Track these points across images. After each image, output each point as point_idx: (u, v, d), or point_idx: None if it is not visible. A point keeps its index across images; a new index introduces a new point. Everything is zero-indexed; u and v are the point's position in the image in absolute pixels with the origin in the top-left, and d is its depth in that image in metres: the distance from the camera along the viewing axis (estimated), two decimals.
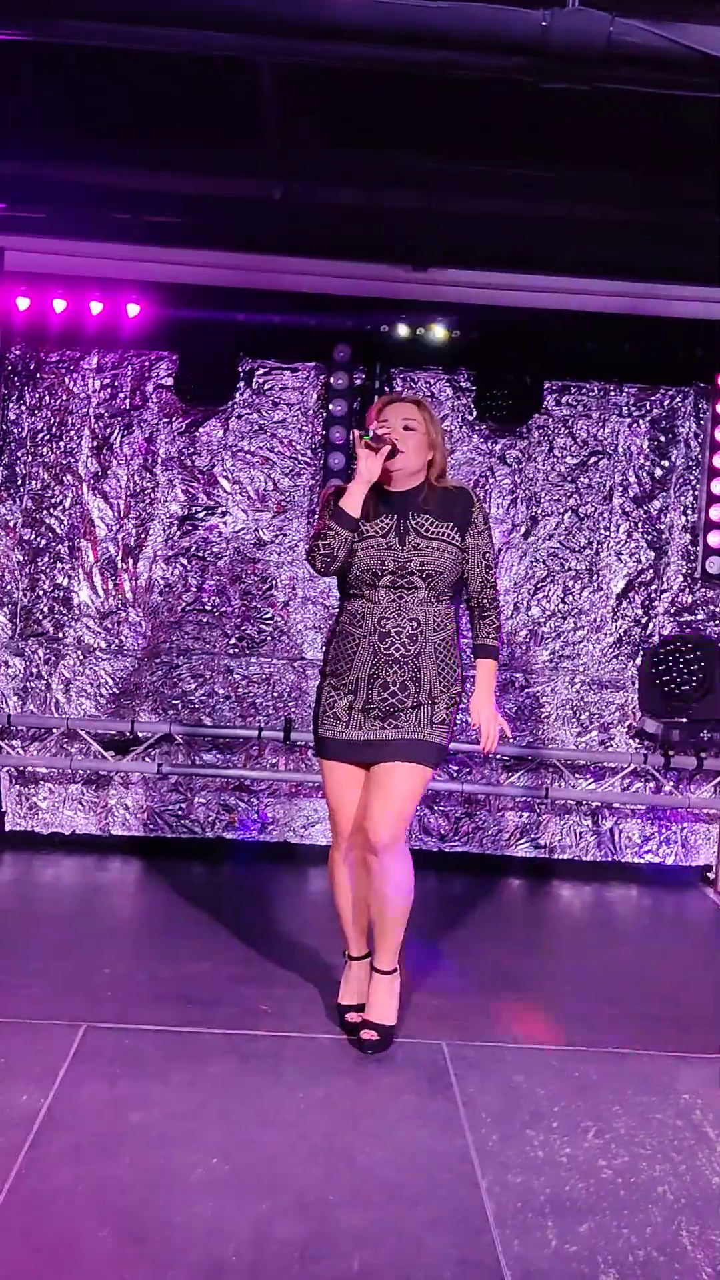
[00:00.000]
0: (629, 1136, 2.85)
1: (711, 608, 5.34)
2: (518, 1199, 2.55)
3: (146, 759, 5.21)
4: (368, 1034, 3.26)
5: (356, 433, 3.18)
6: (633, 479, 5.33)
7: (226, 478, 5.28)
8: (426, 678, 3.21)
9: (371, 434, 3.15)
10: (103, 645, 5.27)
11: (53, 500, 5.26)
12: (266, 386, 5.29)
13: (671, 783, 5.31)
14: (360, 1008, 3.33)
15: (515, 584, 5.29)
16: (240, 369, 5.23)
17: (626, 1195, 2.59)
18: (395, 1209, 2.48)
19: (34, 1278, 2.20)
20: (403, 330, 5.04)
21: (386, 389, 5.23)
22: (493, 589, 3.34)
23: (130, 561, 5.27)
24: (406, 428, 3.21)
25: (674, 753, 5.18)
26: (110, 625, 5.27)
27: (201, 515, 5.29)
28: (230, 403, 5.23)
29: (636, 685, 5.26)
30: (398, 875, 3.21)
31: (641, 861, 5.36)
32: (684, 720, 5.01)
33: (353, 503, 3.16)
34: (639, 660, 5.28)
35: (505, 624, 5.29)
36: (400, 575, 3.20)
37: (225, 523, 5.27)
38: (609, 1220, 2.49)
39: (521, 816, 5.34)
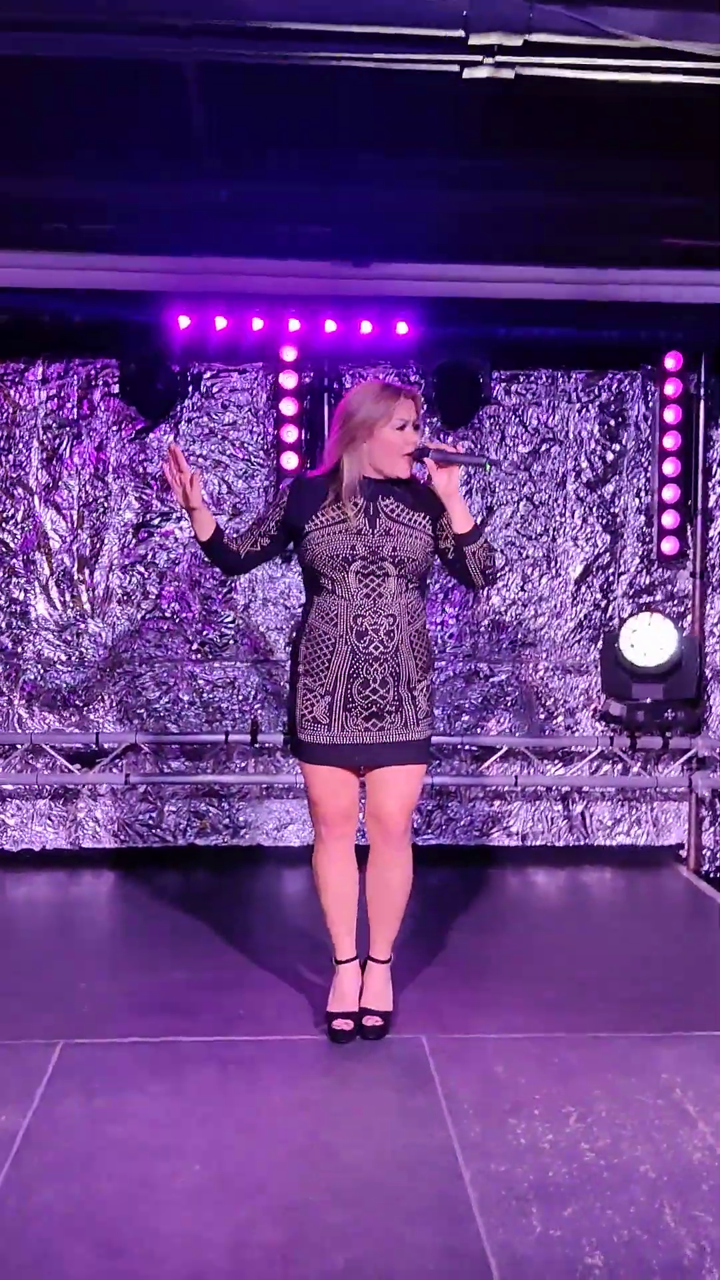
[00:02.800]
0: (610, 1119, 2.86)
1: (669, 588, 5.37)
2: (501, 1188, 2.55)
3: (113, 770, 5.18)
4: (371, 1020, 3.30)
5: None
6: (585, 464, 5.35)
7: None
8: (404, 670, 3.21)
9: (434, 454, 3.15)
10: (63, 658, 5.23)
11: (4, 514, 5.21)
12: (215, 389, 5.27)
13: (639, 764, 5.34)
14: (351, 1015, 3.33)
15: None
16: (189, 372, 5.21)
17: (609, 1177, 2.60)
18: (378, 1205, 2.48)
19: None
20: (349, 326, 5.03)
21: (336, 385, 5.22)
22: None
23: (87, 572, 5.23)
24: (415, 426, 3.22)
25: (640, 734, 5.21)
26: (70, 637, 5.24)
27: (156, 522, 5.26)
28: (179, 407, 5.21)
29: (599, 669, 5.28)
30: (406, 865, 3.34)
31: (614, 844, 5.39)
32: (647, 701, 5.04)
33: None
34: (600, 644, 5.30)
35: (466, 614, 5.29)
36: (371, 560, 3.17)
37: (181, 528, 5.24)
38: (592, 1203, 2.50)
39: (493, 805, 5.35)
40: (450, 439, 5.18)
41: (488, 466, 3.22)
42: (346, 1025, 3.30)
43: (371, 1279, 2.23)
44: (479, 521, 3.23)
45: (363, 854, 3.38)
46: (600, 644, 5.29)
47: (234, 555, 3.30)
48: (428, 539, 3.23)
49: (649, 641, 5.08)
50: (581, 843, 5.37)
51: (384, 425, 3.17)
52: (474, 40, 2.57)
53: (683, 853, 5.37)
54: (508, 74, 2.76)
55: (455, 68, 2.72)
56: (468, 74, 2.74)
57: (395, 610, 3.20)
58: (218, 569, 3.41)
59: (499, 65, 2.64)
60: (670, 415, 5.23)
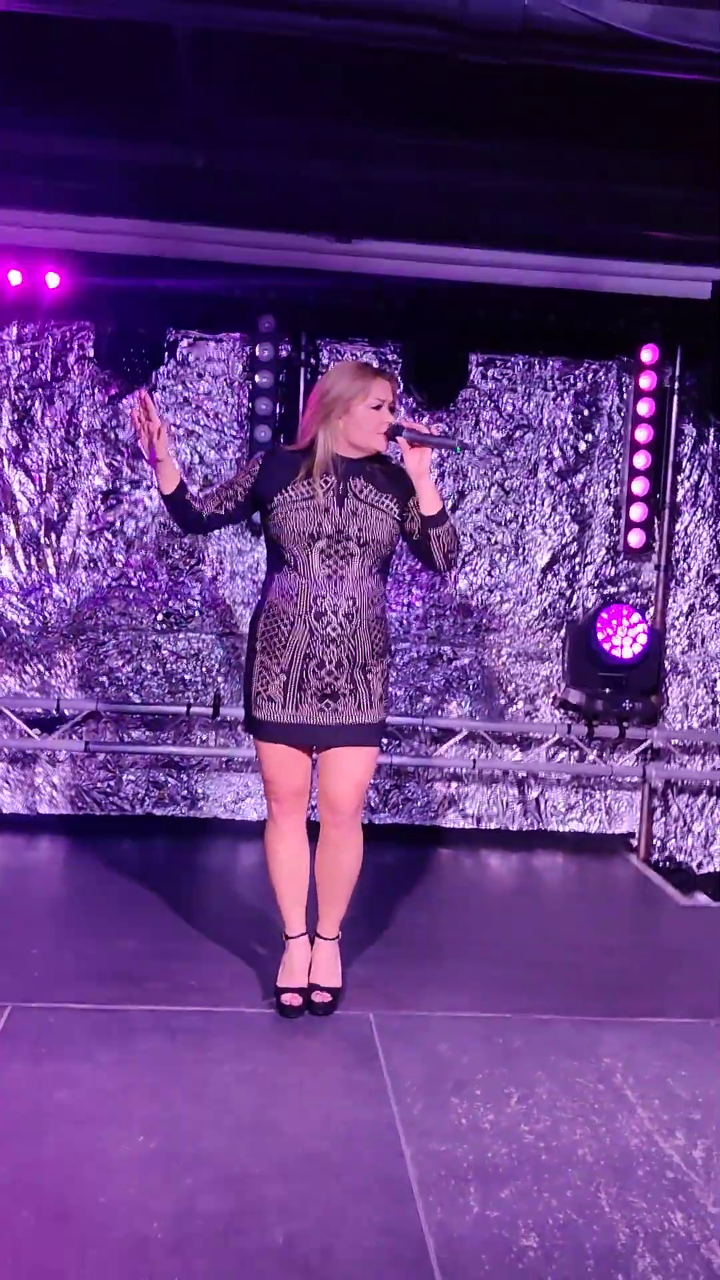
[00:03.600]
0: (550, 1101, 2.91)
1: (633, 579, 5.41)
2: (441, 1167, 2.59)
3: (73, 737, 5.16)
4: (320, 996, 3.34)
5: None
6: (557, 453, 5.37)
7: None
8: (360, 653, 3.22)
9: (407, 433, 3.18)
10: (26, 622, 5.20)
11: None
12: (191, 358, 5.23)
13: (595, 752, 5.39)
14: (300, 990, 3.35)
15: None
16: (164, 340, 5.16)
17: (547, 1159, 2.65)
18: (319, 1180, 2.51)
19: None
20: (328, 302, 5.01)
21: (313, 360, 5.20)
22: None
23: (53, 536, 5.19)
24: (391, 408, 3.22)
25: (597, 722, 5.26)
26: (34, 602, 5.20)
27: (126, 489, 5.22)
28: (154, 374, 5.16)
29: (563, 657, 5.32)
30: (355, 845, 3.35)
31: (566, 830, 5.45)
32: (606, 690, 5.09)
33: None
34: (563, 632, 5.34)
35: (433, 597, 5.31)
36: (336, 539, 3.18)
37: (150, 496, 5.21)
38: (530, 1184, 2.54)
39: (450, 787, 5.39)
40: (426, 420, 5.18)
41: (459, 449, 3.21)
42: (295, 1000, 3.33)
43: (311, 1253, 2.26)
44: (448, 505, 3.23)
45: (313, 831, 3.39)
46: (564, 632, 5.33)
47: (195, 513, 3.29)
48: (394, 521, 3.23)
49: (623, 634, 5.12)
50: (535, 827, 5.43)
51: (359, 402, 3.17)
52: (470, 25, 2.55)
53: (633, 841, 5.45)
54: (500, 60, 2.74)
55: (448, 49, 2.71)
56: (463, 56, 2.73)
57: (355, 593, 3.20)
58: (177, 525, 3.42)
59: (494, 50, 2.63)
60: (644, 408, 5.26)
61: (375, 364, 3.45)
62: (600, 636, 5.09)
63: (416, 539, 3.25)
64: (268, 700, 3.24)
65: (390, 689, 3.46)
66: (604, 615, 5.13)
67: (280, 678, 3.22)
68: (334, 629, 3.19)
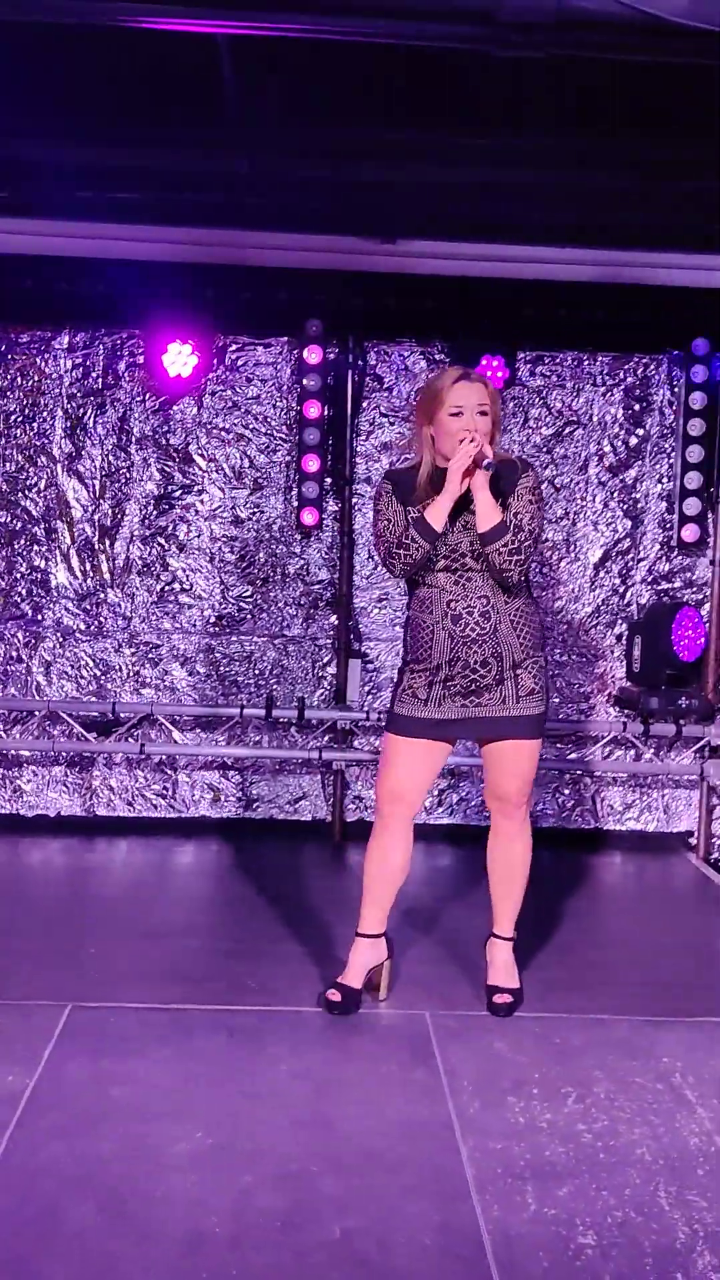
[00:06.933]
0: (609, 1101, 2.89)
1: (688, 575, 5.35)
2: (498, 1164, 2.58)
3: (129, 739, 5.22)
4: (501, 998, 3.37)
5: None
6: (608, 448, 5.33)
7: (202, 455, 5.26)
8: (506, 650, 3.21)
9: (488, 465, 3.11)
10: (82, 627, 5.27)
11: (27, 482, 5.23)
12: (240, 362, 5.27)
13: (651, 750, 5.34)
14: (343, 988, 3.33)
15: None
16: (213, 345, 5.21)
17: (605, 1158, 2.63)
18: (376, 1177, 2.51)
19: (18, 1252, 2.23)
20: (375, 303, 5.02)
21: (360, 362, 5.21)
22: (522, 532, 3.15)
23: (107, 542, 5.25)
24: (481, 412, 3.15)
25: (653, 720, 5.21)
26: (89, 607, 5.27)
27: (178, 494, 5.27)
28: (203, 380, 5.21)
29: (628, 655, 5.26)
30: (526, 836, 3.45)
31: (623, 829, 5.40)
32: (663, 688, 5.04)
33: (439, 517, 3.14)
34: (618, 629, 5.30)
35: None
36: (453, 558, 3.19)
37: (202, 501, 5.26)
38: (588, 1183, 2.52)
39: None
40: None
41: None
42: (334, 996, 3.32)
43: (368, 1249, 2.27)
44: (509, 524, 3.18)
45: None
46: (622, 629, 5.28)
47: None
48: (505, 525, 3.16)
49: (690, 636, 5.06)
50: (591, 826, 5.39)
51: (440, 411, 3.15)
52: (504, 18, 2.54)
53: (692, 840, 5.38)
54: (538, 53, 2.73)
55: (483, 45, 2.70)
56: (499, 53, 2.72)
57: (489, 592, 3.20)
58: (395, 569, 3.23)
59: (531, 44, 2.62)
60: (696, 401, 5.19)
61: (461, 368, 3.38)
62: (674, 638, 5.02)
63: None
64: (411, 696, 3.26)
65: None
66: (679, 617, 5.05)
67: (427, 677, 3.24)
68: (473, 630, 3.19)
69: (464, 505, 3.18)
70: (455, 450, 3.12)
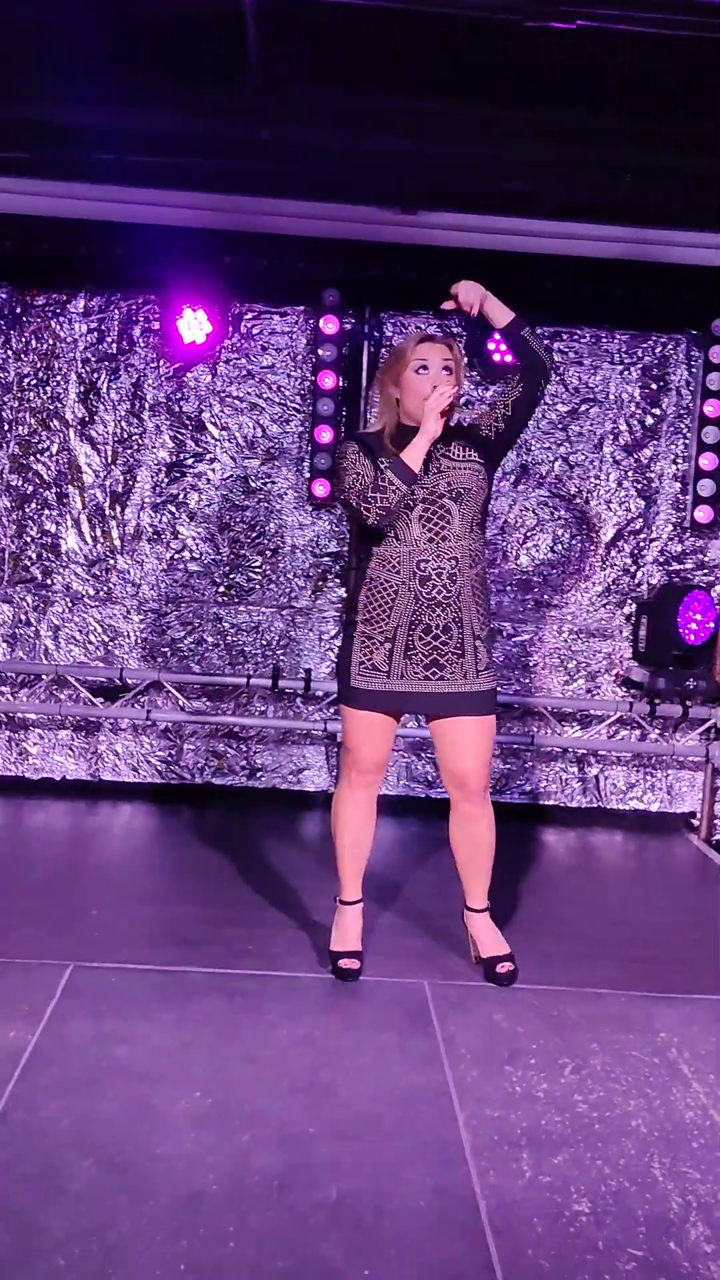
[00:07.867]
0: (605, 1073, 2.91)
1: (700, 557, 5.34)
2: (494, 1132, 2.61)
3: (135, 706, 5.24)
4: (504, 966, 3.37)
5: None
6: (624, 427, 5.31)
7: (214, 424, 5.25)
8: (467, 617, 3.21)
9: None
10: (91, 592, 5.27)
11: (40, 446, 5.23)
12: (255, 331, 5.24)
13: (657, 730, 5.35)
14: (354, 954, 3.37)
15: (504, 531, 5.28)
16: (229, 313, 5.18)
17: (601, 1129, 2.65)
18: (373, 1142, 2.54)
19: (19, 1207, 2.26)
20: (392, 274, 4.98)
21: (376, 333, 5.19)
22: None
23: (118, 509, 5.25)
24: (446, 369, 3.19)
25: (660, 701, 5.22)
26: (99, 572, 5.27)
27: (190, 462, 5.26)
28: (218, 347, 5.19)
29: (635, 635, 5.25)
30: (488, 815, 3.40)
31: (626, 808, 5.42)
32: (670, 669, 5.04)
33: (417, 459, 3.14)
34: (627, 609, 5.29)
35: (493, 571, 5.27)
36: (431, 501, 3.18)
37: (214, 469, 5.25)
38: (583, 1152, 2.55)
39: (508, 763, 5.38)
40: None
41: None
42: (354, 964, 3.36)
43: (364, 1211, 2.29)
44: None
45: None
46: (631, 609, 5.28)
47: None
48: (479, 466, 3.22)
49: (700, 619, 5.04)
50: (594, 805, 5.40)
51: (405, 370, 3.19)
52: None
53: (695, 821, 5.40)
54: (568, 25, 2.70)
55: (516, 17, 2.67)
56: (528, 23, 2.69)
57: (458, 553, 3.20)
58: (371, 515, 3.15)
59: (561, 15, 2.59)
60: (713, 382, 5.17)
61: (436, 333, 3.42)
62: (680, 621, 5.01)
63: (513, 396, 3.23)
64: (371, 669, 3.24)
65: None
66: (688, 600, 5.03)
67: (385, 646, 3.22)
68: (440, 592, 3.18)
69: (435, 456, 3.19)
70: (421, 410, 3.14)
